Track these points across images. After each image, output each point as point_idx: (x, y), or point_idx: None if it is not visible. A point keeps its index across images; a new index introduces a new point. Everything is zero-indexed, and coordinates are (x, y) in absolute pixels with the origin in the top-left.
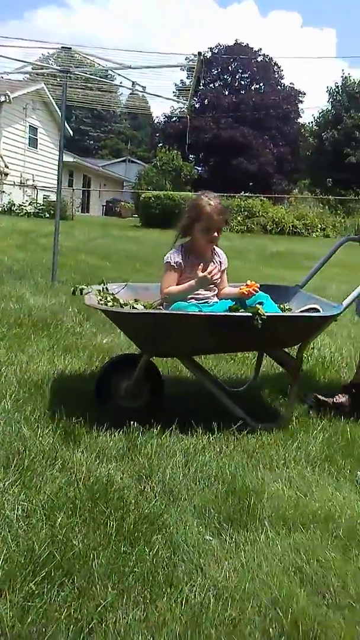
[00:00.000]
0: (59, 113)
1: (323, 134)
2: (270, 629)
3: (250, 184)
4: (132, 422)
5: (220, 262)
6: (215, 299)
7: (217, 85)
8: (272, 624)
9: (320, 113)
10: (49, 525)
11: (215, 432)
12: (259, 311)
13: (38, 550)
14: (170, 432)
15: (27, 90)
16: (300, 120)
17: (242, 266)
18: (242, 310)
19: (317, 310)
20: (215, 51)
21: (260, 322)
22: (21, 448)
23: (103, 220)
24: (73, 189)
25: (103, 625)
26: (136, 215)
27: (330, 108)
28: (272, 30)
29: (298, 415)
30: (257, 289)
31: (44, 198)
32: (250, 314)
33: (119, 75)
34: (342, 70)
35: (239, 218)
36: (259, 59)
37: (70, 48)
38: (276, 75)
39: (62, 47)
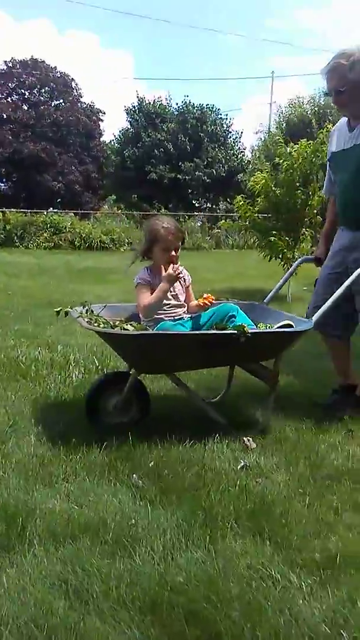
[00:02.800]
0: None
1: (125, 151)
2: None
3: (58, 200)
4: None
5: (184, 279)
6: (187, 316)
7: (14, 98)
8: None
9: (120, 131)
10: None
11: None
12: (245, 329)
13: None
14: None
15: None
16: (103, 138)
17: (49, 283)
18: (229, 327)
19: (292, 326)
20: (10, 65)
21: (244, 338)
22: None
23: None
24: None
25: None
26: None
27: (129, 127)
28: (71, 49)
29: (83, 429)
30: (212, 301)
31: None
32: (236, 332)
33: None
34: (137, 91)
35: (45, 235)
36: (58, 75)
37: None
38: (75, 93)
39: None
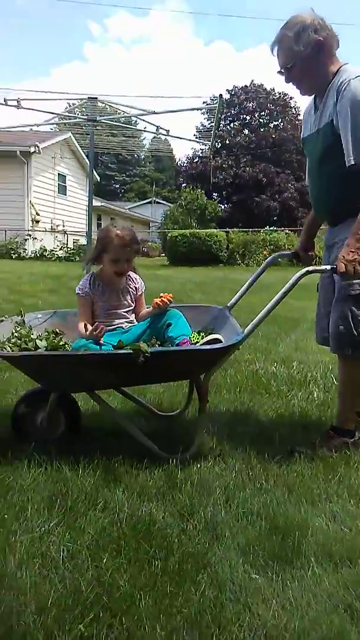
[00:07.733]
0: (86, 160)
1: None
2: None
3: (274, 218)
4: (171, 461)
5: (135, 287)
6: (131, 324)
7: (235, 124)
8: None
9: None
10: (95, 566)
11: (254, 467)
12: (142, 348)
13: (85, 592)
14: (209, 469)
15: (55, 140)
16: None
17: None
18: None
19: (220, 341)
20: (232, 92)
21: (142, 359)
22: (63, 489)
23: None
24: None
25: None
26: (163, 254)
27: None
28: None
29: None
30: (171, 299)
31: (74, 242)
32: (131, 352)
33: (142, 120)
34: None
35: (265, 252)
36: (276, 96)
37: (97, 98)
38: (293, 112)
39: (89, 97)
